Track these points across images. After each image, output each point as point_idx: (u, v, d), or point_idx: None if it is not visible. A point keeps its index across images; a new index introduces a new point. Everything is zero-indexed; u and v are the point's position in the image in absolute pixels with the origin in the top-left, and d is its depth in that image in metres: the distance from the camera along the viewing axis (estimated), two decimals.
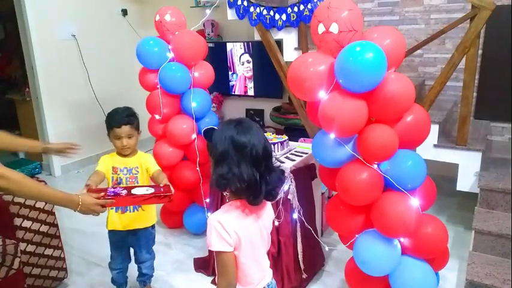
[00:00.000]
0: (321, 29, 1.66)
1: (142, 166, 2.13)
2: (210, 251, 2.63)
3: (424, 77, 3.67)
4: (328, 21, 1.64)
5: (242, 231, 1.29)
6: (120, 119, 2.02)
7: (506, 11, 3.12)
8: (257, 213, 1.34)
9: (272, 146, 2.54)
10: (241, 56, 4.44)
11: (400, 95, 1.66)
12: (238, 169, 1.22)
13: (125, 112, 2.06)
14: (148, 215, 2.19)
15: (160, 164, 2.94)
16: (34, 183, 1.43)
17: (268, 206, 1.43)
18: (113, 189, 1.72)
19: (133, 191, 1.74)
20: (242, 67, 4.48)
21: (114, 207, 2.04)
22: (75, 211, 1.53)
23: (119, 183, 2.06)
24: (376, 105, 1.67)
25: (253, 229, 1.34)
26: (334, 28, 1.63)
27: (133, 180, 2.11)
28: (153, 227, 2.26)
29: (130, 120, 2.05)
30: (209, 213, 2.78)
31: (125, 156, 2.10)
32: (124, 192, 1.72)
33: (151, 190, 1.79)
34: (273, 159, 1.32)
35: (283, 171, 1.41)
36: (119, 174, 2.08)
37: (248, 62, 4.43)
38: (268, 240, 1.44)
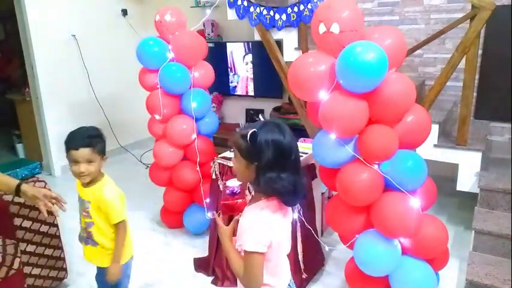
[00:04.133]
0: (322, 29, 1.66)
1: (98, 204, 1.77)
2: (210, 251, 2.63)
3: (424, 77, 3.67)
4: (330, 21, 1.64)
5: (279, 232, 1.30)
6: (79, 139, 1.71)
7: (506, 11, 3.12)
8: (287, 211, 1.36)
9: None
10: (244, 56, 4.44)
11: (401, 96, 1.66)
12: (286, 174, 1.24)
13: (87, 132, 1.75)
14: (106, 254, 1.84)
15: (160, 164, 2.97)
16: None
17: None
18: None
19: None
20: (246, 67, 4.48)
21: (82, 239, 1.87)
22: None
23: (80, 213, 1.85)
24: (377, 105, 1.66)
25: (286, 227, 1.36)
26: (335, 28, 1.63)
27: (86, 215, 1.80)
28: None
29: (92, 143, 1.71)
30: (209, 213, 2.78)
31: (85, 184, 1.78)
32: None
33: None
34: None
35: (305, 171, 1.42)
36: (79, 204, 1.84)
37: (251, 62, 4.43)
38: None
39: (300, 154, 2.52)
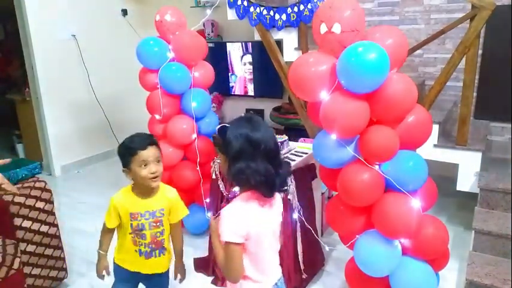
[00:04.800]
0: (323, 29, 1.66)
1: (169, 207, 1.74)
2: (210, 251, 2.63)
3: (424, 77, 3.67)
4: (331, 21, 1.63)
5: (257, 222, 1.33)
6: (144, 139, 1.65)
7: (506, 11, 3.12)
8: (270, 204, 1.39)
9: None
10: (242, 56, 4.44)
11: (403, 96, 1.65)
12: (255, 164, 1.28)
13: (145, 135, 1.71)
14: (168, 257, 1.85)
15: None
16: None
17: (278, 198, 1.47)
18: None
19: None
20: (244, 67, 4.48)
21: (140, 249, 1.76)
22: None
23: (141, 230, 1.72)
24: (379, 106, 1.66)
25: (267, 220, 1.39)
26: (336, 28, 1.63)
27: (159, 224, 1.74)
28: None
29: (155, 141, 1.68)
30: (209, 213, 2.78)
31: (147, 195, 1.71)
32: None
33: None
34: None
35: (289, 164, 1.47)
36: (139, 220, 1.71)
37: (250, 63, 4.43)
38: (279, 234, 1.48)
39: (300, 154, 2.54)
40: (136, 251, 1.76)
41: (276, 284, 1.46)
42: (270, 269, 1.45)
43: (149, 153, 1.63)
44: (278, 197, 1.47)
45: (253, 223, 1.32)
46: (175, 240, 1.84)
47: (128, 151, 1.64)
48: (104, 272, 1.85)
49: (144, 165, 1.63)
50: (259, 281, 1.40)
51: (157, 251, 1.78)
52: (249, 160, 1.28)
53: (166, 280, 1.92)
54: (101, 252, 1.83)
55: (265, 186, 1.32)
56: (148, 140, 1.66)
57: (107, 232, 1.80)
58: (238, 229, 1.30)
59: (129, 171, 1.66)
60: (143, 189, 1.70)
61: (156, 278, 1.85)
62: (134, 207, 1.70)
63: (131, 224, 1.72)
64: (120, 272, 1.85)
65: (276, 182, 1.33)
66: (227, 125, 1.36)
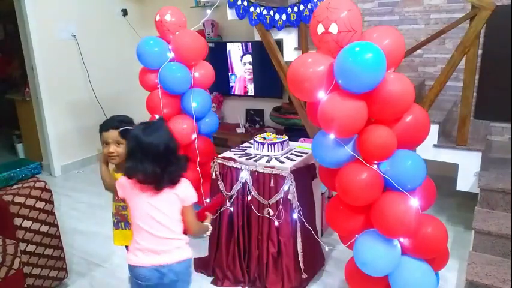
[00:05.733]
0: (320, 29, 1.66)
1: None
2: (210, 251, 2.63)
3: (424, 77, 3.67)
4: (328, 22, 1.64)
5: (130, 195, 1.62)
6: (108, 122, 1.87)
7: (506, 11, 3.12)
8: (151, 193, 1.58)
9: (272, 146, 2.55)
10: (242, 56, 4.44)
11: (400, 95, 1.65)
12: (142, 165, 1.51)
13: (118, 117, 1.90)
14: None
15: None
16: None
17: (168, 193, 1.61)
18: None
19: None
20: (244, 67, 4.48)
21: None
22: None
23: (113, 200, 1.98)
24: (376, 105, 1.66)
25: (144, 203, 1.59)
26: (333, 28, 1.63)
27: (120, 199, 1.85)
28: None
29: (119, 126, 1.85)
30: (209, 214, 2.78)
31: (120, 170, 1.87)
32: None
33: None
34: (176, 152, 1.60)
35: (187, 159, 1.71)
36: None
37: (250, 63, 4.43)
38: (163, 223, 1.62)
39: (300, 154, 2.54)
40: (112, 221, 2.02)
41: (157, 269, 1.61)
42: (143, 244, 1.62)
43: (109, 135, 1.84)
44: (169, 192, 1.61)
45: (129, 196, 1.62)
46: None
47: (99, 131, 1.91)
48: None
49: (106, 144, 1.86)
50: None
51: (122, 223, 1.98)
52: (138, 161, 1.51)
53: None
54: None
55: (150, 183, 1.55)
56: (112, 124, 1.86)
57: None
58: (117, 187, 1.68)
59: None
60: (117, 164, 1.93)
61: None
62: (113, 177, 1.91)
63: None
64: None
65: (164, 179, 1.55)
66: (129, 128, 1.68)
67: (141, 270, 1.62)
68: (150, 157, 1.51)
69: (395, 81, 1.66)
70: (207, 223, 1.82)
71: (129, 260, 1.65)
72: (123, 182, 1.63)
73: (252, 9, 2.95)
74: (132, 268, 1.64)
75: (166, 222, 1.62)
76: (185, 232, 1.70)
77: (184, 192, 1.66)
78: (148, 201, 1.59)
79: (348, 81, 1.61)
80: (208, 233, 1.82)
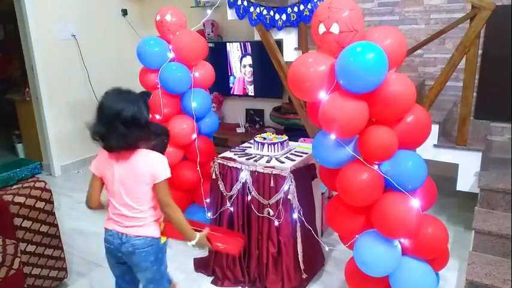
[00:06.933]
0: (322, 29, 1.66)
1: None
2: (210, 251, 2.63)
3: (424, 77, 3.67)
4: (329, 22, 1.63)
5: (103, 168, 1.75)
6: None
7: (506, 11, 3.12)
8: (118, 161, 1.69)
9: (272, 146, 2.55)
10: (242, 56, 4.43)
11: (401, 96, 1.65)
12: (94, 126, 1.65)
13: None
14: None
15: None
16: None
17: (139, 163, 1.68)
18: None
19: None
20: (244, 68, 4.47)
21: None
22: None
23: None
24: (377, 106, 1.66)
25: (116, 171, 1.70)
26: (335, 28, 1.63)
27: None
28: None
29: None
30: (209, 213, 2.78)
31: None
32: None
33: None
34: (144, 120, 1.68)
35: (165, 130, 1.95)
36: None
37: (250, 66, 4.42)
38: (132, 194, 1.70)
39: (300, 154, 2.54)
40: None
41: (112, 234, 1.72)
42: (112, 210, 1.75)
43: None
44: (141, 163, 1.68)
45: (102, 168, 1.76)
46: None
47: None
48: None
49: None
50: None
51: None
52: (95, 120, 1.65)
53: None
54: None
55: (99, 142, 1.67)
56: None
57: None
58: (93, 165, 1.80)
59: None
60: None
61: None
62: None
63: None
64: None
65: (110, 143, 1.64)
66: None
67: (107, 233, 1.76)
68: (100, 119, 1.64)
69: (397, 82, 1.66)
70: (200, 233, 1.78)
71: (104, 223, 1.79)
72: (100, 157, 1.76)
73: (252, 9, 2.95)
74: (104, 230, 1.78)
75: (135, 194, 1.70)
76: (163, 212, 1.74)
77: (157, 166, 1.71)
78: (120, 170, 1.69)
79: (350, 81, 1.61)
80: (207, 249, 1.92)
